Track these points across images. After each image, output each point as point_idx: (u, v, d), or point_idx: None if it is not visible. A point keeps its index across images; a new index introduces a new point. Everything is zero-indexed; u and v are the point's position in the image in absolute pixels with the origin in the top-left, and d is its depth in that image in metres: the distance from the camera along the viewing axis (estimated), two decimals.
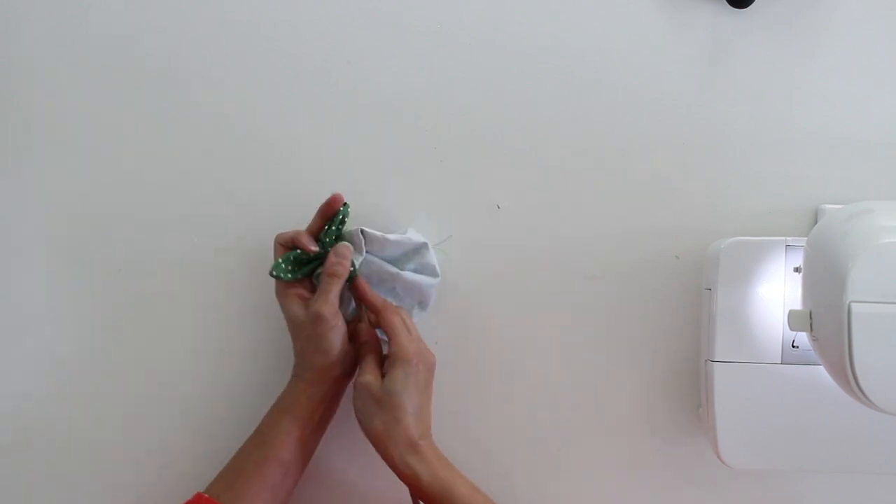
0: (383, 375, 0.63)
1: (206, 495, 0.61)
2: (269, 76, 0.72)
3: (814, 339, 0.57)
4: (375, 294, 0.67)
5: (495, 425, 0.72)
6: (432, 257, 0.68)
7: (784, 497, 0.71)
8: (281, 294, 0.66)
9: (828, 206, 0.69)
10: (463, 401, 0.71)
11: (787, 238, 0.63)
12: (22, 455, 0.73)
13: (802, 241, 0.61)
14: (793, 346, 0.63)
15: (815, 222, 0.69)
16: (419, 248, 0.68)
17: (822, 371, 0.58)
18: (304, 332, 0.64)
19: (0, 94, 0.73)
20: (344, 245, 0.65)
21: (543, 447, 0.72)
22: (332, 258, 0.64)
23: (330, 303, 0.63)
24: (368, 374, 0.63)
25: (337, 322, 0.64)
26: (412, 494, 0.63)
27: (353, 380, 0.65)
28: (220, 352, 0.72)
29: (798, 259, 0.62)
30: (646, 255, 0.71)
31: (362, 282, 0.66)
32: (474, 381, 0.72)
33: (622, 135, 0.71)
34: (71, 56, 0.73)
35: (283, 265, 0.65)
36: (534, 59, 0.71)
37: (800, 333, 0.62)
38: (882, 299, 0.50)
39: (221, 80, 0.72)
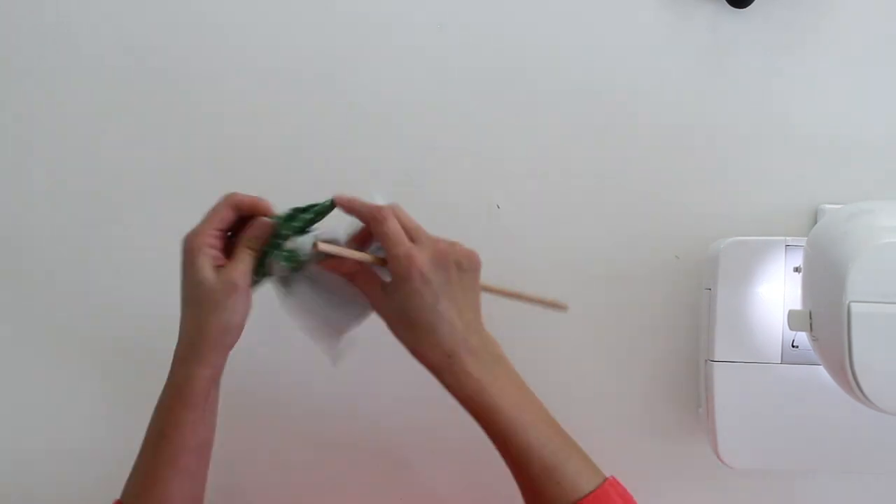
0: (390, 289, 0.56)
1: None
2: (269, 78, 0.72)
3: (814, 339, 0.57)
4: (363, 203, 0.58)
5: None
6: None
7: (784, 497, 0.71)
8: (195, 248, 0.56)
9: (828, 206, 0.69)
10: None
11: (787, 238, 0.63)
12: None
13: (802, 241, 0.61)
14: (793, 346, 0.63)
15: (815, 222, 0.69)
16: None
17: (822, 371, 0.58)
18: (210, 299, 0.56)
19: None
20: (265, 220, 0.57)
21: None
22: (249, 228, 0.57)
23: (247, 273, 0.56)
24: (371, 295, 0.58)
25: (248, 295, 0.57)
26: None
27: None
28: None
29: (798, 259, 0.62)
30: (646, 256, 0.71)
31: (343, 197, 0.58)
32: None
33: (622, 134, 0.71)
34: (71, 57, 0.73)
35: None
36: (534, 59, 0.71)
37: (800, 333, 0.62)
38: (882, 299, 0.50)
39: (223, 81, 0.72)
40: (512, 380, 0.58)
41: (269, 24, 0.72)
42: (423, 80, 0.72)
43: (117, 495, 0.58)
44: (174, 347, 0.58)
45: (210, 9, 0.72)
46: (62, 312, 0.73)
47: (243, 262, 0.57)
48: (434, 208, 0.71)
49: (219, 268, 0.56)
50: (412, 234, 0.56)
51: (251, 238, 0.58)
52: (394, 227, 0.56)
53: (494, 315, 0.71)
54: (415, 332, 0.56)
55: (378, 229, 0.56)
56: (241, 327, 0.57)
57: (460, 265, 0.57)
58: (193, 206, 0.71)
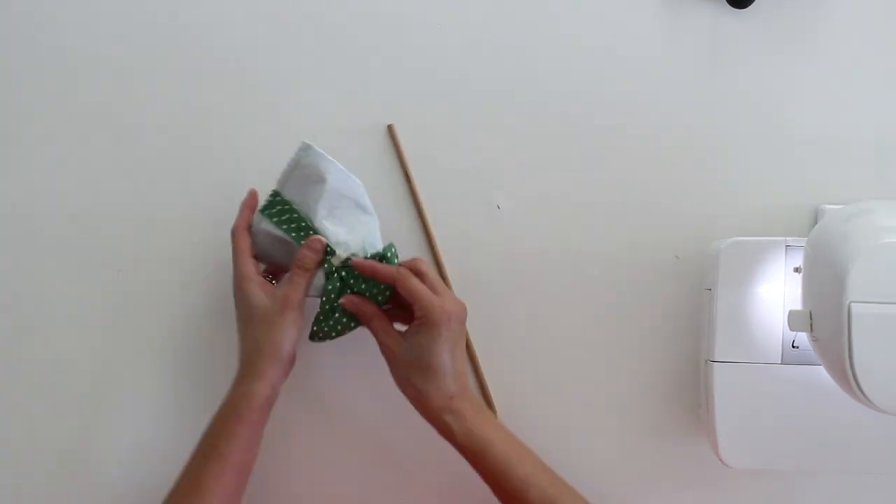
0: (407, 333, 0.63)
1: None
2: (268, 78, 0.72)
3: (814, 339, 0.57)
4: (385, 267, 0.63)
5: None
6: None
7: (784, 497, 0.70)
8: (245, 280, 0.63)
9: (828, 206, 0.69)
10: None
11: (787, 238, 0.63)
12: (22, 457, 0.73)
13: (802, 241, 0.61)
14: (793, 346, 0.63)
15: (815, 222, 0.69)
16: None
17: (822, 371, 0.58)
18: (266, 321, 0.62)
19: None
20: (317, 239, 0.64)
21: (543, 446, 0.71)
22: (303, 250, 0.63)
23: (299, 291, 0.63)
24: (386, 341, 0.63)
25: (300, 313, 0.63)
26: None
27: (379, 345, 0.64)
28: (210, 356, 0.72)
29: (798, 259, 0.62)
30: (646, 255, 0.71)
31: (364, 262, 0.64)
32: (473, 381, 0.72)
33: (622, 135, 0.71)
34: (70, 56, 0.73)
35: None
36: (534, 59, 0.71)
37: (800, 333, 0.62)
38: (882, 299, 0.50)
39: (221, 80, 0.72)
40: (498, 423, 0.64)
41: (264, 26, 0.72)
42: (422, 81, 0.72)
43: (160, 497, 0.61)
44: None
45: (211, 9, 0.73)
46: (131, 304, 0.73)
47: (296, 282, 0.63)
48: (434, 208, 0.72)
49: (268, 288, 0.63)
50: (434, 288, 0.62)
51: (302, 257, 0.63)
52: (416, 283, 0.62)
53: (494, 315, 0.72)
54: (426, 374, 0.61)
55: (405, 284, 0.62)
56: (294, 343, 0.63)
57: (459, 321, 0.63)
58: (194, 205, 0.72)
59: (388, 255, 0.64)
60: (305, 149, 0.64)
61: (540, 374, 0.72)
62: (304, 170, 0.64)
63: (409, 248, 0.71)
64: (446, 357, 0.61)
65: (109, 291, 0.72)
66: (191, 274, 0.72)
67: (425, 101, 0.72)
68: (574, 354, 0.71)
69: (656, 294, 0.71)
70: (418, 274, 0.63)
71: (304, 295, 0.63)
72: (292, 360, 0.64)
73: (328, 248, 0.64)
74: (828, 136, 0.70)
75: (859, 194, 0.69)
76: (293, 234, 0.64)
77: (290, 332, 0.62)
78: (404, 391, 0.63)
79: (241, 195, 0.67)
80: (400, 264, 0.64)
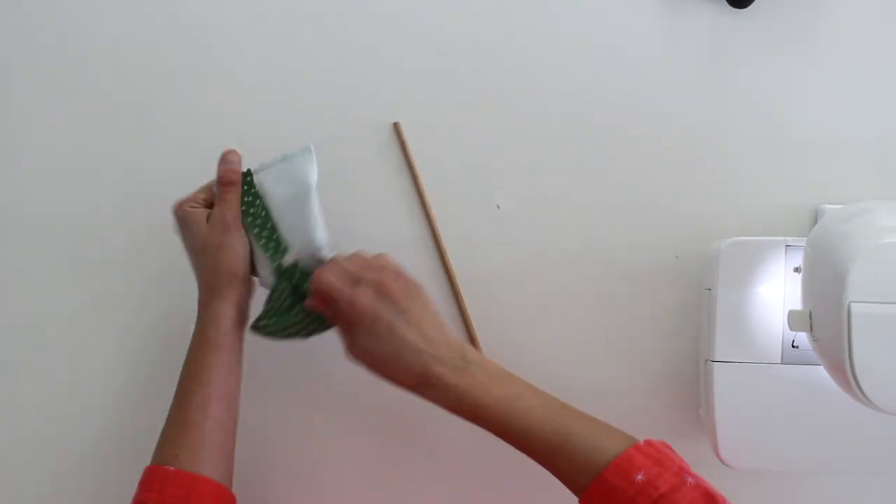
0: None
1: (162, 465, 0.58)
2: (273, 76, 0.72)
3: (814, 339, 0.57)
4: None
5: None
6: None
7: (784, 497, 0.70)
8: (184, 210, 0.63)
9: (828, 206, 0.69)
10: None
11: (787, 238, 0.63)
12: (22, 456, 0.73)
13: (802, 241, 0.61)
14: (793, 346, 0.63)
15: (815, 222, 0.69)
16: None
17: (822, 371, 0.58)
18: (213, 244, 0.62)
19: None
20: (232, 151, 0.65)
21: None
22: (221, 167, 0.64)
23: (233, 207, 0.63)
24: (344, 343, 0.60)
25: (240, 230, 0.63)
26: None
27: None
28: None
29: (798, 259, 0.62)
30: (646, 256, 0.71)
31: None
32: None
33: (622, 134, 0.71)
34: (70, 56, 0.73)
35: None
36: (533, 58, 0.71)
37: (800, 333, 0.62)
38: (882, 299, 0.50)
39: (224, 79, 0.72)
40: (492, 376, 0.58)
41: (269, 25, 0.72)
42: (422, 81, 0.72)
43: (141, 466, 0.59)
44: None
45: (213, 8, 0.73)
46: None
47: (227, 201, 0.63)
48: (434, 209, 0.72)
49: (205, 212, 0.63)
50: (354, 277, 0.59)
51: (224, 173, 0.63)
52: (328, 282, 0.59)
53: (494, 315, 0.72)
54: (385, 363, 0.58)
55: (318, 289, 0.59)
56: (246, 261, 0.63)
57: (409, 293, 0.59)
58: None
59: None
60: (304, 151, 0.64)
61: (540, 373, 0.71)
62: (291, 165, 0.64)
63: (413, 245, 0.72)
64: (390, 344, 0.57)
65: (109, 291, 0.73)
66: (191, 274, 0.72)
67: (431, 99, 0.72)
68: (574, 354, 0.71)
69: (656, 294, 0.71)
70: (327, 269, 0.60)
71: (238, 211, 0.63)
72: (249, 279, 0.64)
73: (281, 247, 0.63)
74: (828, 136, 0.70)
75: (859, 194, 0.69)
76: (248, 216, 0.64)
77: (238, 249, 0.62)
78: (383, 380, 0.59)
79: None
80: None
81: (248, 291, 0.64)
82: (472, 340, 0.71)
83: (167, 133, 0.73)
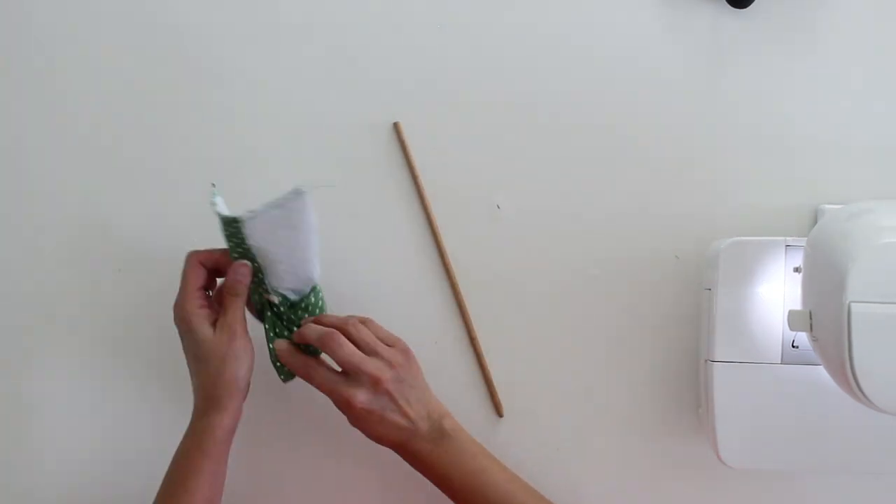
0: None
1: None
2: (273, 76, 0.72)
3: (814, 339, 0.57)
4: (312, 329, 0.63)
5: (494, 424, 0.72)
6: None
7: (784, 497, 0.70)
8: (189, 314, 0.62)
9: (828, 206, 0.69)
10: (462, 400, 0.71)
11: (787, 238, 0.63)
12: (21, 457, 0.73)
13: (802, 241, 0.61)
14: (793, 346, 0.63)
15: (815, 222, 0.69)
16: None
17: (822, 371, 0.58)
18: (217, 355, 0.61)
19: None
20: (243, 264, 0.63)
21: (543, 446, 0.71)
22: (231, 277, 0.63)
23: (238, 317, 0.62)
24: (332, 392, 0.63)
25: (248, 339, 0.63)
26: None
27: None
28: None
29: (798, 259, 0.62)
30: (646, 255, 0.71)
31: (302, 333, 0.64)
32: (473, 381, 0.72)
33: (622, 135, 0.71)
34: (71, 56, 0.73)
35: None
36: (534, 58, 0.71)
37: (800, 333, 0.62)
38: (882, 299, 0.50)
39: (224, 79, 0.72)
40: (465, 450, 0.64)
41: (269, 25, 0.72)
42: (422, 81, 0.72)
43: None
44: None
45: (215, 7, 0.73)
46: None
47: (233, 310, 0.62)
48: (434, 209, 0.72)
49: (214, 323, 0.62)
50: (346, 367, 0.62)
51: (232, 285, 0.63)
52: (321, 379, 0.62)
53: (494, 315, 0.72)
54: (370, 432, 0.63)
55: (330, 351, 0.62)
56: (250, 370, 0.63)
57: (399, 377, 0.62)
58: (194, 206, 0.72)
59: (314, 300, 0.65)
60: (298, 195, 0.61)
61: (539, 373, 0.72)
62: (287, 212, 0.61)
63: (413, 245, 0.72)
64: (376, 426, 0.62)
65: (109, 291, 0.73)
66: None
67: (431, 99, 0.72)
68: (574, 354, 0.71)
69: (656, 294, 0.71)
70: (346, 336, 0.62)
71: (244, 319, 0.63)
72: (248, 388, 0.64)
73: (267, 290, 0.63)
74: (828, 136, 0.70)
75: (859, 194, 0.69)
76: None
77: (243, 361, 0.62)
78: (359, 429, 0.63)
79: (244, 195, 0.68)
80: (327, 323, 0.63)
81: (244, 399, 0.63)
82: (473, 340, 0.71)
83: (167, 133, 0.73)
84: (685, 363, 0.71)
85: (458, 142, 0.72)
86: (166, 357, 0.72)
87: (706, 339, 0.66)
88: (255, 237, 0.61)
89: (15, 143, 0.73)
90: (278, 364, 0.65)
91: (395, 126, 0.72)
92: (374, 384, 0.61)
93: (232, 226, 0.61)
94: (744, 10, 0.70)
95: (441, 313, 0.72)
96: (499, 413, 0.71)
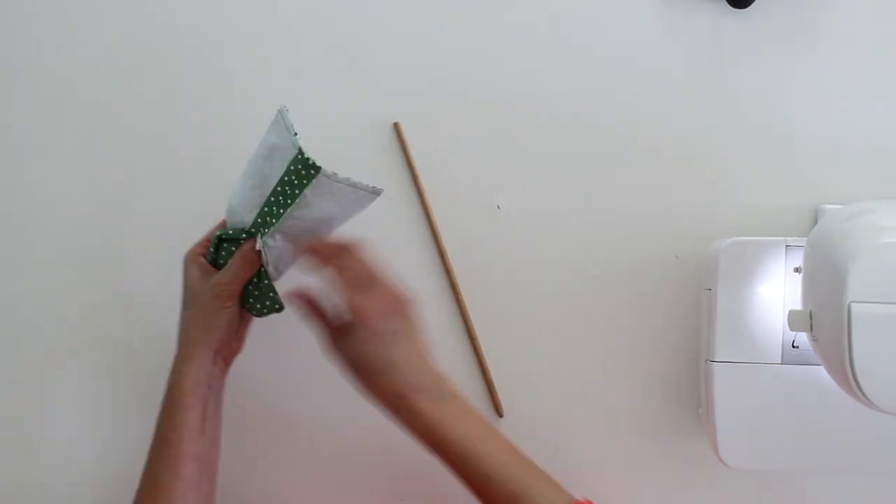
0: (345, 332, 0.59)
1: None
2: (274, 76, 0.72)
3: (814, 339, 0.57)
4: (325, 244, 0.61)
5: (494, 424, 0.72)
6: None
7: (784, 497, 0.71)
8: (188, 257, 0.63)
9: (828, 206, 0.69)
10: None
11: (787, 238, 0.63)
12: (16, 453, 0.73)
13: (802, 241, 0.61)
14: (793, 346, 0.63)
15: (815, 222, 0.69)
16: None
17: (822, 371, 0.58)
18: (196, 304, 0.61)
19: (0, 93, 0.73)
20: (252, 246, 0.61)
21: (542, 447, 0.71)
22: (246, 245, 0.61)
23: (237, 282, 0.61)
24: (326, 339, 0.60)
25: (234, 304, 0.61)
26: None
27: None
28: None
29: (798, 259, 0.62)
30: (646, 255, 0.71)
31: (310, 244, 0.61)
32: (473, 381, 0.72)
33: (622, 135, 0.71)
34: (71, 56, 0.73)
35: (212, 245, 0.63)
36: (534, 59, 0.71)
37: (800, 333, 0.62)
38: (882, 299, 0.50)
39: (225, 79, 0.72)
40: (464, 413, 0.59)
41: (268, 25, 0.72)
42: (422, 81, 0.72)
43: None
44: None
45: (215, 7, 0.73)
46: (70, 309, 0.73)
47: (236, 274, 0.61)
48: (434, 209, 0.72)
49: (207, 270, 0.62)
50: (366, 281, 0.58)
51: (245, 254, 0.61)
52: (351, 272, 0.58)
53: (494, 315, 0.72)
54: (366, 375, 0.58)
55: (338, 270, 0.59)
56: (225, 330, 0.61)
57: (408, 318, 0.59)
58: (195, 204, 0.72)
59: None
60: (372, 192, 0.61)
61: (540, 373, 0.72)
62: (352, 196, 0.61)
63: (413, 245, 0.72)
64: (378, 359, 0.58)
65: (109, 291, 0.73)
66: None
67: (431, 99, 0.72)
68: (574, 354, 0.71)
69: (656, 294, 0.71)
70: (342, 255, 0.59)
71: (241, 286, 0.61)
72: (227, 348, 0.62)
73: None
74: (828, 136, 0.70)
75: (859, 194, 0.69)
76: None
77: (219, 318, 0.61)
78: (353, 385, 0.59)
79: None
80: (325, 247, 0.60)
81: (222, 360, 0.62)
82: (473, 340, 0.71)
83: (168, 134, 0.73)
84: (685, 363, 0.71)
85: (458, 142, 0.72)
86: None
87: (706, 339, 0.66)
88: (315, 192, 0.59)
89: (15, 144, 0.73)
90: (272, 294, 0.62)
91: (395, 126, 0.72)
92: (387, 306, 0.58)
93: (300, 169, 0.59)
94: (744, 10, 0.70)
95: (441, 313, 0.72)
96: (499, 413, 0.72)
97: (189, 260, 0.63)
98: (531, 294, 0.71)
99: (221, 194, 0.71)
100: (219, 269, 0.62)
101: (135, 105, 0.73)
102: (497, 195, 0.72)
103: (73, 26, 0.73)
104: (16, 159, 0.73)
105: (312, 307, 0.62)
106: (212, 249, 0.63)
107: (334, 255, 0.59)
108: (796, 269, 0.63)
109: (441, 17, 0.72)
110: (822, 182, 0.70)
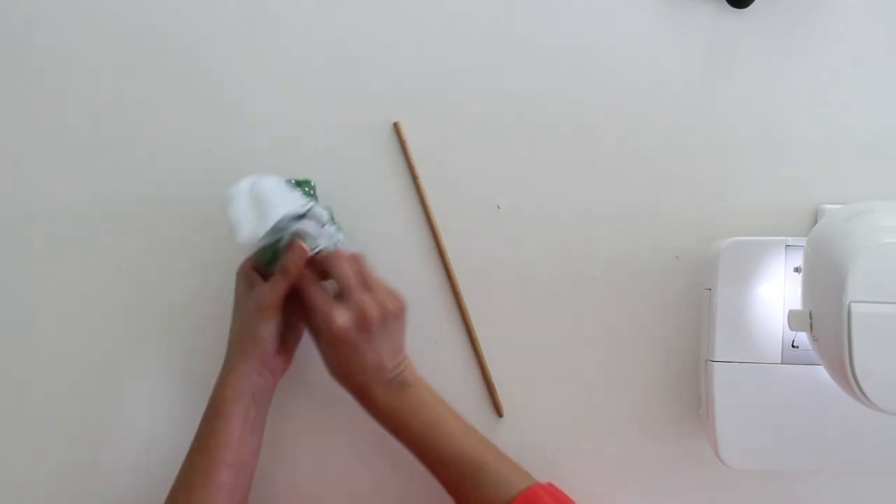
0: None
1: None
2: (270, 75, 0.72)
3: (814, 339, 0.57)
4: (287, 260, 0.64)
5: (494, 424, 0.72)
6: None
7: (784, 497, 0.71)
8: (240, 270, 0.67)
9: (828, 206, 0.69)
10: (462, 400, 0.71)
11: (787, 238, 0.63)
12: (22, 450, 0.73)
13: (802, 241, 0.61)
14: (793, 346, 0.63)
15: (815, 222, 0.69)
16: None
17: (822, 371, 0.58)
18: (243, 314, 0.64)
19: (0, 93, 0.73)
20: (299, 245, 0.63)
21: (543, 446, 0.72)
22: (289, 254, 0.63)
23: (277, 294, 0.63)
24: (308, 323, 0.65)
25: (274, 315, 0.63)
26: None
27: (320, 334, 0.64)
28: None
29: (798, 259, 0.62)
30: (646, 255, 0.71)
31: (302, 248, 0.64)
32: (473, 381, 0.72)
33: (622, 135, 0.71)
34: (69, 56, 0.73)
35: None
36: (534, 58, 0.71)
37: (800, 333, 0.63)
38: (882, 299, 0.50)
39: (225, 78, 0.72)
40: (423, 401, 0.64)
41: (268, 25, 0.72)
42: (422, 81, 0.72)
43: None
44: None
45: (216, 5, 0.73)
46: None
47: (276, 285, 0.63)
48: (434, 209, 0.72)
49: (254, 280, 0.65)
50: (345, 289, 0.62)
51: (289, 262, 0.63)
52: (313, 296, 0.62)
53: (494, 315, 0.72)
54: (332, 365, 0.63)
55: (336, 271, 0.63)
56: (267, 342, 0.63)
57: (385, 322, 0.62)
58: (197, 202, 0.72)
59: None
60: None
61: (539, 373, 0.72)
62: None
63: (413, 245, 0.72)
64: (343, 359, 0.62)
65: (109, 291, 0.73)
66: (190, 273, 0.72)
67: (431, 99, 0.72)
68: (574, 354, 0.71)
69: (656, 294, 0.71)
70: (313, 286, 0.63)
71: (281, 298, 0.63)
72: (275, 359, 0.64)
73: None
74: (828, 136, 0.70)
75: (859, 194, 0.69)
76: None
77: (263, 328, 0.63)
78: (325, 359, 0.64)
79: None
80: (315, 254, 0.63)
81: (270, 372, 0.64)
82: (473, 340, 0.71)
83: (168, 134, 0.73)
84: (685, 363, 0.71)
85: (458, 142, 0.72)
86: (167, 355, 0.73)
87: (706, 339, 0.66)
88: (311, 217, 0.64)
89: (15, 143, 0.73)
90: (268, 256, 0.64)
91: (395, 126, 0.72)
92: (360, 317, 0.61)
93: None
94: (744, 10, 0.70)
95: (441, 313, 0.72)
96: (499, 413, 0.72)
97: (238, 272, 0.67)
98: (531, 294, 0.71)
99: (220, 192, 0.71)
100: (270, 275, 0.64)
101: (135, 105, 0.73)
102: (497, 195, 0.72)
103: (74, 26, 0.73)
104: (16, 157, 0.73)
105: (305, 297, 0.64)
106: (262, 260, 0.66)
107: (329, 259, 0.63)
108: (796, 269, 0.63)
109: (441, 17, 0.72)
110: (822, 182, 0.70)
